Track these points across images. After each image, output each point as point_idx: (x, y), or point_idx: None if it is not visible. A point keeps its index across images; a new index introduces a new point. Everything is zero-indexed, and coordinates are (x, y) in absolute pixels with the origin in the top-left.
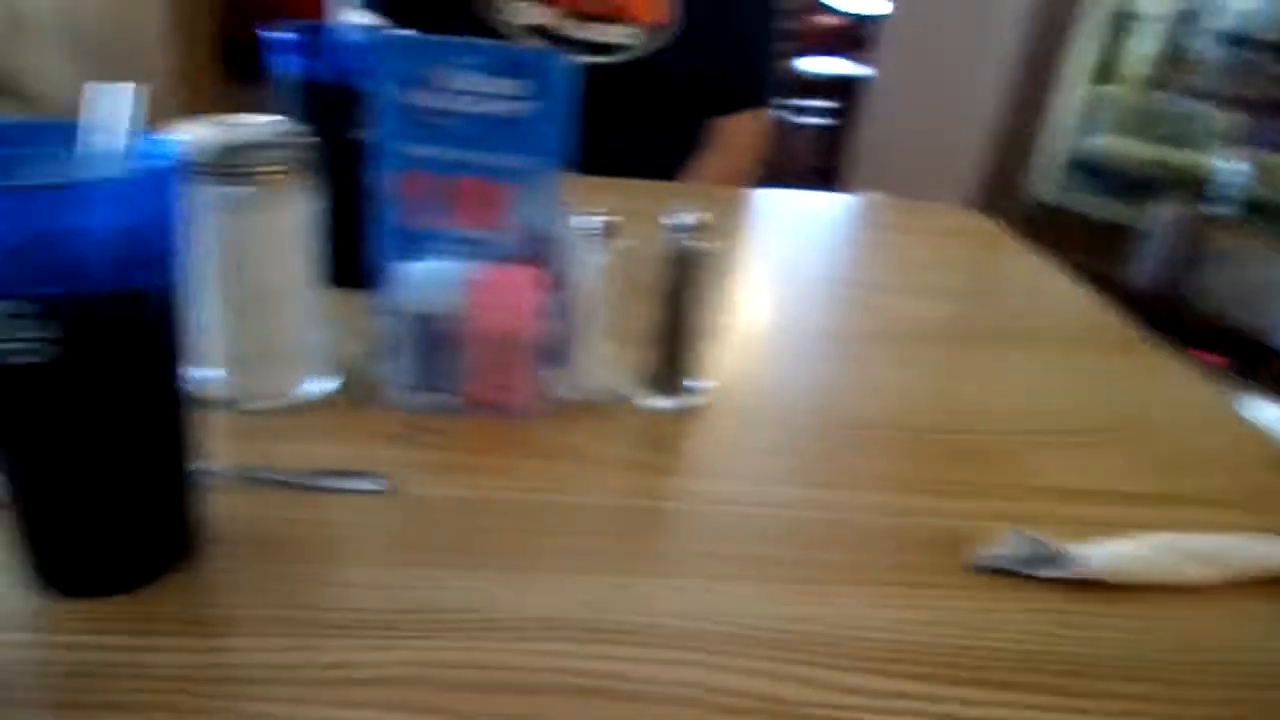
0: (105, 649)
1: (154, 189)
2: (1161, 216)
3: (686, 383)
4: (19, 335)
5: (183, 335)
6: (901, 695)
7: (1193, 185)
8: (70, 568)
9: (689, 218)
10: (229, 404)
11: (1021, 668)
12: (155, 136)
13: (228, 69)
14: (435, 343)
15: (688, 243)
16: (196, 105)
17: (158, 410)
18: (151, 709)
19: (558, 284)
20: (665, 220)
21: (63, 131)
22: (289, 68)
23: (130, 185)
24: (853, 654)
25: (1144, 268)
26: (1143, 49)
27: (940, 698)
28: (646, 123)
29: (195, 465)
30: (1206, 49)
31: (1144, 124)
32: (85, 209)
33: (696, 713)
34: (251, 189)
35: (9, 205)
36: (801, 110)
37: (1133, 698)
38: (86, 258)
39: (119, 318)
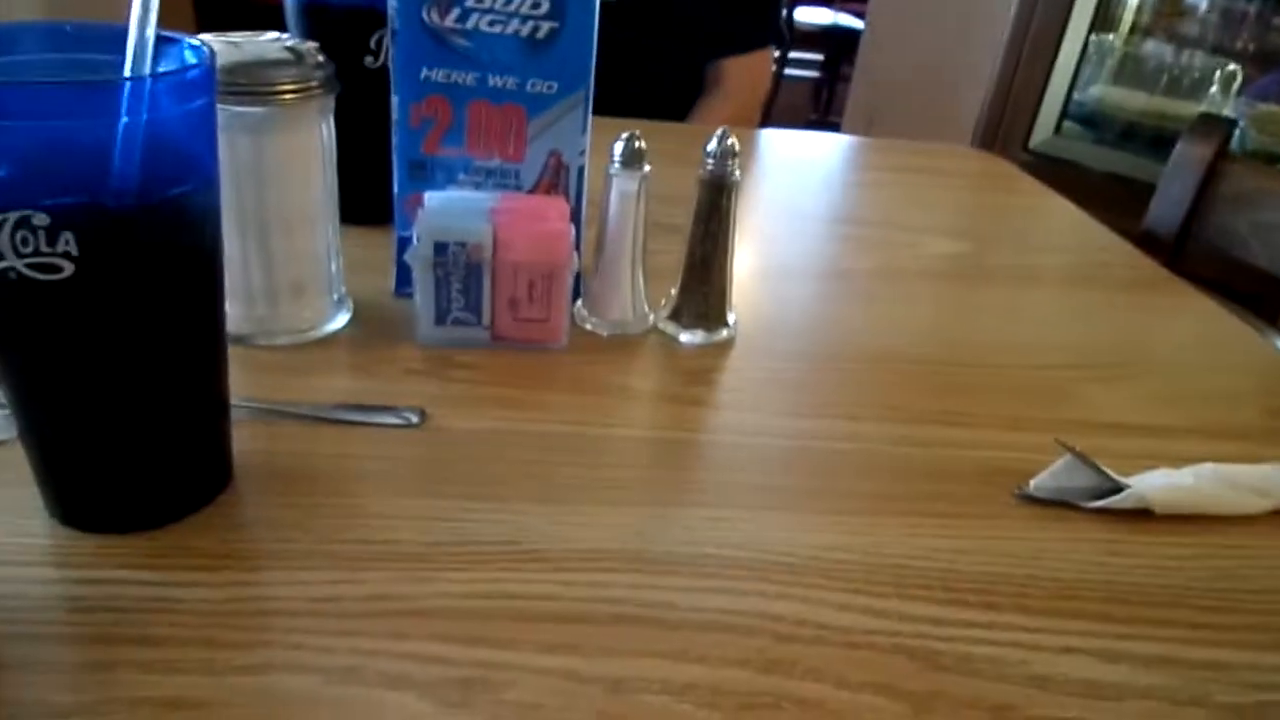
0: (135, 583)
1: (181, 91)
2: (1186, 156)
3: (717, 316)
4: (30, 249)
5: (217, 255)
6: (940, 621)
7: (1212, 129)
8: (92, 502)
9: (724, 143)
10: (246, 340)
11: (1062, 595)
12: (180, 37)
13: (200, 26)
14: (460, 275)
15: (722, 170)
16: None
17: (187, 337)
18: (185, 643)
19: (585, 214)
20: (704, 146)
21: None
22: None
23: (154, 86)
24: (891, 581)
25: (1162, 208)
26: None
27: (978, 623)
28: (648, 64)
29: (227, 396)
30: None
31: (1139, 74)
32: (103, 111)
33: (743, 639)
34: (267, 109)
35: (16, 104)
36: (794, 62)
37: (1173, 624)
38: (106, 166)
39: (143, 233)
